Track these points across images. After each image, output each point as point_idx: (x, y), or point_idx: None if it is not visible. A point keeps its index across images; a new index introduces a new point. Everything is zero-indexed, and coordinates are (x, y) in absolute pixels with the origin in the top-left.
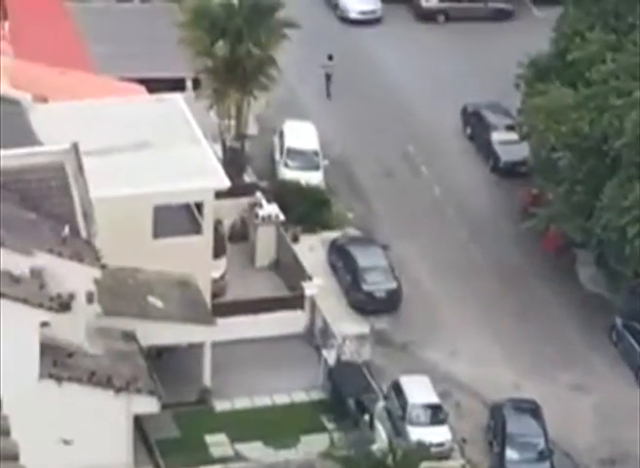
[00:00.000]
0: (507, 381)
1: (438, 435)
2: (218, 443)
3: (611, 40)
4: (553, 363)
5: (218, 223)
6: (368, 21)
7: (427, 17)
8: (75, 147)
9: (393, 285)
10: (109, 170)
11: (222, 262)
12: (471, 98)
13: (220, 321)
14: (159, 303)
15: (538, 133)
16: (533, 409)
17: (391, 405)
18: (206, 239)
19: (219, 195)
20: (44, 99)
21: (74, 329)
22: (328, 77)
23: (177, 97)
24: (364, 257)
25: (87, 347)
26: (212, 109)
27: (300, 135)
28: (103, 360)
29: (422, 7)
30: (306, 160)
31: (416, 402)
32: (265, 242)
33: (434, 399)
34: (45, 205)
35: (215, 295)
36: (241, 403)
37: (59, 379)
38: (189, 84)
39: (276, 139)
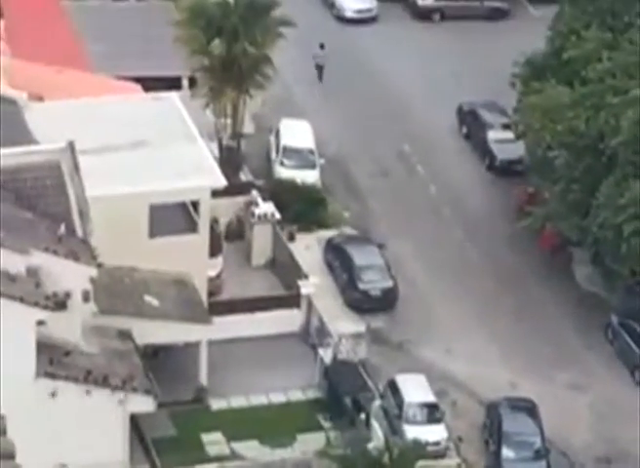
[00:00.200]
0: (503, 380)
1: (434, 433)
2: (214, 441)
3: (607, 38)
4: (549, 361)
5: (214, 222)
6: (364, 20)
7: (423, 15)
8: (71, 146)
9: (389, 283)
10: (105, 168)
11: (219, 261)
12: (467, 97)
13: (217, 319)
14: (155, 302)
15: (533, 131)
16: (529, 408)
17: (387, 403)
18: (202, 238)
19: (215, 194)
20: (40, 98)
21: (70, 327)
22: (319, 67)
23: (173, 96)
24: (360, 256)
25: (83, 346)
26: (208, 108)
27: (296, 133)
28: (99, 359)
29: (418, 5)
30: (302, 159)
31: (412, 400)
32: (261, 241)
33: (430, 397)
34: (41, 204)
35: (211, 294)
36: (237, 401)
37: (55, 378)
38: (185, 82)
39: (272, 138)
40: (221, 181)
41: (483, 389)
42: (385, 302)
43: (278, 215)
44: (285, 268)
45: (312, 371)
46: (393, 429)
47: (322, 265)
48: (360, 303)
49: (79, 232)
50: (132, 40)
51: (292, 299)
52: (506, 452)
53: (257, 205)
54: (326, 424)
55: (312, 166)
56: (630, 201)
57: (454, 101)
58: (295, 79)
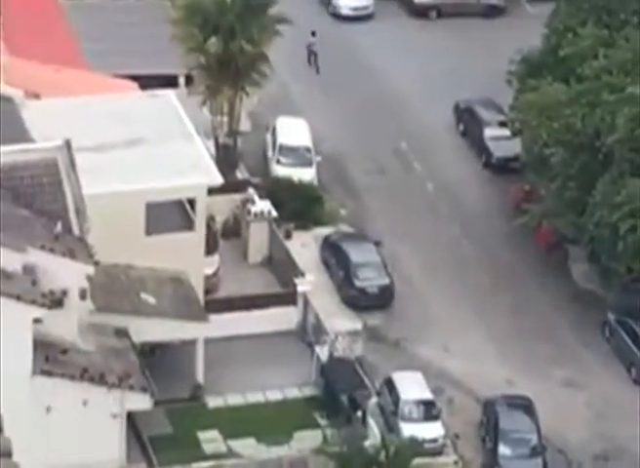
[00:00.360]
0: (500, 377)
1: (431, 431)
2: (210, 439)
3: (603, 36)
4: (546, 359)
5: (210, 220)
6: (360, 18)
7: (419, 13)
8: (68, 144)
9: (386, 281)
10: (102, 166)
11: (215, 259)
12: (464, 95)
13: (213, 317)
14: (152, 300)
15: (530, 129)
16: (525, 406)
17: (384, 401)
18: (198, 235)
19: (211, 191)
20: (36, 96)
21: (67, 325)
22: (312, 54)
23: (169, 94)
24: (357, 254)
25: (79, 344)
26: (204, 106)
27: (293, 131)
28: (96, 356)
29: (415, 3)
30: (299, 156)
31: (408, 398)
32: (258, 238)
33: (427, 395)
34: (37, 201)
35: (207, 292)
36: (234, 399)
37: (51, 376)
38: (182, 80)
39: (268, 136)
40: (218, 179)
41: (480, 386)
42: (382, 300)
43: (275, 213)
44: (281, 266)
45: (309, 369)
46: (390, 427)
47: (318, 263)
48: (357, 301)
49: (76, 230)
50: (128, 38)
51: (288, 297)
52: (503, 450)
53: (253, 202)
54: (322, 422)
55: (309, 163)
56: (626, 198)
57: (450, 99)
58: (291, 77)
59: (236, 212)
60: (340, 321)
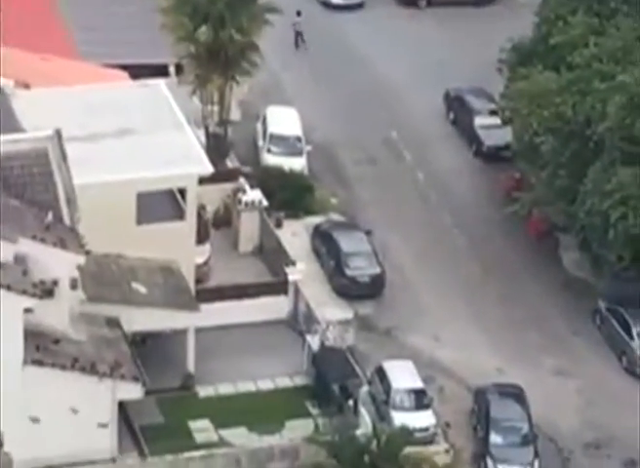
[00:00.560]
0: (491, 366)
1: (422, 420)
2: (201, 429)
3: (593, 24)
4: (537, 347)
5: (201, 209)
6: (350, 7)
7: (409, 1)
8: (58, 134)
9: (377, 270)
10: (92, 156)
11: (206, 248)
12: (454, 83)
13: (204, 307)
14: (143, 289)
15: (520, 117)
16: (517, 394)
17: (375, 390)
18: (189, 225)
19: (202, 181)
20: (26, 86)
21: (58, 315)
22: (298, 34)
23: (159, 83)
24: (347, 243)
25: (71, 333)
26: (195, 95)
27: (283, 120)
28: (87, 346)
29: None
30: (289, 146)
31: (399, 387)
32: (249, 227)
33: (418, 384)
34: (28, 192)
35: (198, 281)
36: (225, 388)
37: (42, 365)
38: (172, 70)
39: (259, 125)
40: (209, 168)
41: (471, 375)
42: (373, 289)
43: (265, 202)
44: (272, 255)
45: (300, 358)
46: (381, 415)
47: (309, 252)
48: (348, 290)
49: (66, 220)
50: (119, 28)
51: (279, 286)
52: (494, 438)
53: (244, 192)
54: (314, 411)
55: (299, 153)
56: (617, 186)
57: (441, 88)
58: (281, 66)
59: (227, 201)
60: (331, 310)
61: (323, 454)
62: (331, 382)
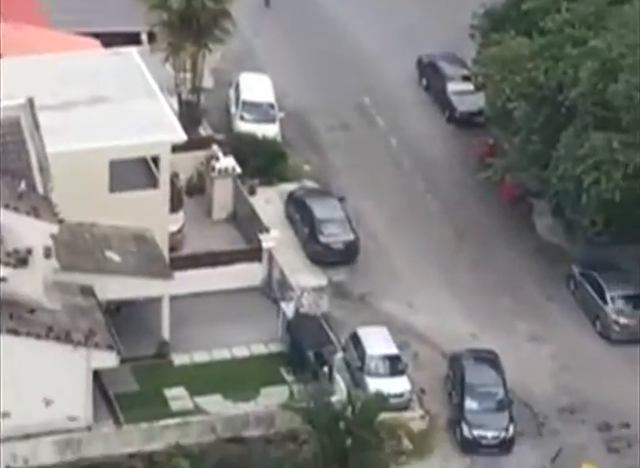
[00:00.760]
0: (465, 332)
1: (397, 386)
2: (177, 396)
3: None
4: (510, 313)
5: (174, 177)
6: None
7: None
8: (31, 102)
9: (350, 236)
10: (65, 124)
11: (179, 216)
12: (426, 48)
13: (178, 274)
14: (116, 258)
15: (493, 83)
16: (491, 360)
17: (350, 356)
18: (162, 193)
19: (175, 149)
20: None
21: (32, 284)
22: None
23: (132, 51)
24: (321, 210)
25: (45, 302)
26: (167, 62)
27: (256, 87)
28: (62, 315)
29: None
30: (262, 112)
31: (374, 353)
32: (222, 195)
33: (393, 350)
34: (0, 160)
35: (172, 249)
36: (200, 356)
37: (17, 334)
38: (144, 37)
39: (232, 92)
40: (182, 136)
41: (445, 341)
42: (347, 255)
43: (239, 169)
44: (246, 222)
45: (275, 325)
46: (356, 382)
47: (283, 219)
48: (322, 257)
49: (40, 189)
50: None
51: (253, 253)
52: (469, 404)
53: (217, 159)
54: (289, 378)
55: (272, 120)
56: (590, 151)
57: (412, 53)
58: (254, 33)
59: (200, 168)
60: (305, 277)
61: (298, 421)
62: (306, 349)
